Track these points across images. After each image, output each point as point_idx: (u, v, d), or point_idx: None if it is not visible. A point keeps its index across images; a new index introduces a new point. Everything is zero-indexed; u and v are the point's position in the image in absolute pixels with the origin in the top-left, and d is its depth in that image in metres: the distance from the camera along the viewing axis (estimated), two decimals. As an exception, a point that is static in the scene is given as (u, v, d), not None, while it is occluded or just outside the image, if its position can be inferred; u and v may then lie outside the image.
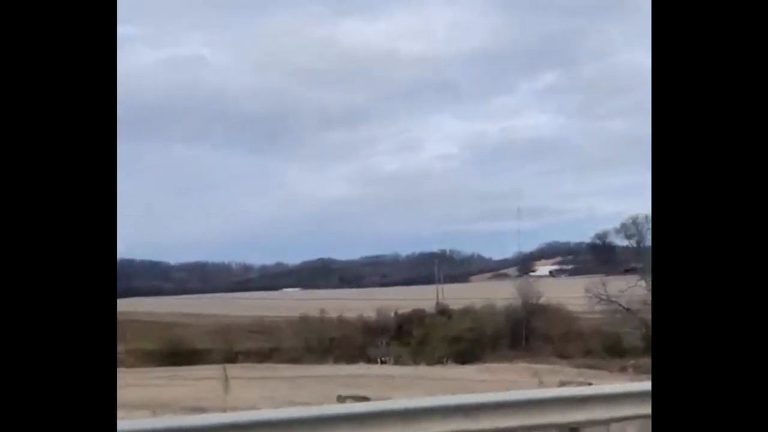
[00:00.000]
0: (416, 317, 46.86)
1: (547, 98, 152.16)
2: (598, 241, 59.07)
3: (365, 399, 12.72)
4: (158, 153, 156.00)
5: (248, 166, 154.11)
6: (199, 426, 5.12)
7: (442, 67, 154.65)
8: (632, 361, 32.88)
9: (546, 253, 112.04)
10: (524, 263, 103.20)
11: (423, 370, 36.51)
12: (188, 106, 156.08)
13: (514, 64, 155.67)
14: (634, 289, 40.70)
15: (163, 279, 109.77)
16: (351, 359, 38.76)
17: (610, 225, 52.52)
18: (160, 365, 39.94)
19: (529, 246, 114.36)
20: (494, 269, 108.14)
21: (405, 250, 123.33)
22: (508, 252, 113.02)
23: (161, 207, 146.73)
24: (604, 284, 41.92)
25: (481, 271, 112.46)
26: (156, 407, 14.65)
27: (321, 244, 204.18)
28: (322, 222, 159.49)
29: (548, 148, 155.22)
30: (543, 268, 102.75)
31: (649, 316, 39.59)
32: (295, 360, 39.83)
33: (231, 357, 42.19)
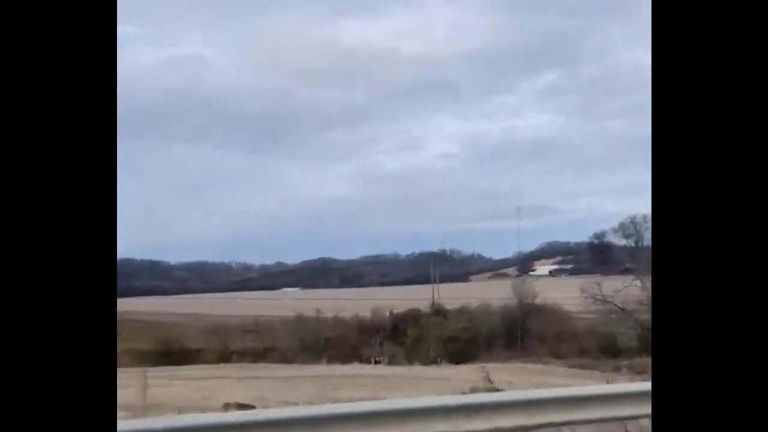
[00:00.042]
0: (411, 317, 46.79)
1: (548, 98, 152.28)
2: (596, 241, 58.91)
3: (250, 407, 12.29)
4: (158, 153, 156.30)
5: (248, 166, 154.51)
6: (199, 426, 5.10)
7: (443, 67, 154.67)
8: (626, 362, 32.80)
9: (546, 252, 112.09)
10: (524, 263, 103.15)
11: (417, 370, 36.47)
12: (188, 106, 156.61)
13: (515, 64, 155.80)
14: (629, 289, 40.66)
15: (163, 279, 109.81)
16: (345, 359, 38.73)
17: (609, 225, 52.38)
18: (155, 365, 39.92)
19: (529, 246, 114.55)
20: (494, 269, 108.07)
21: (405, 249, 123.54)
22: (508, 252, 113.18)
23: (161, 207, 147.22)
24: (599, 284, 41.85)
25: (481, 271, 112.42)
26: (146, 408, 14.60)
27: (321, 243, 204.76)
28: (322, 222, 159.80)
29: (548, 147, 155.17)
30: (543, 268, 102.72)
31: (644, 317, 39.54)
32: (289, 360, 39.81)
33: (226, 356, 42.23)
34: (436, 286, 60.60)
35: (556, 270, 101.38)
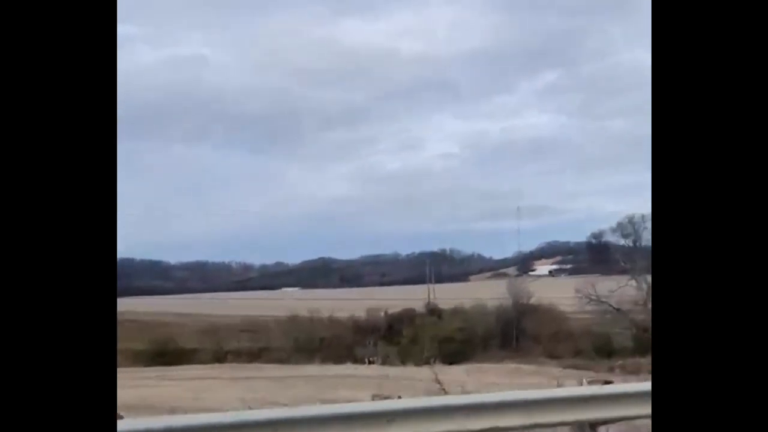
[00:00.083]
0: (406, 317, 46.74)
1: (548, 98, 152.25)
2: (594, 241, 58.72)
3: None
4: (158, 152, 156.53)
5: (248, 166, 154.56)
6: (199, 426, 5.09)
7: (443, 67, 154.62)
8: (620, 362, 32.72)
9: (546, 252, 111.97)
10: (524, 263, 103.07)
11: (409, 370, 36.39)
12: (188, 106, 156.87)
13: (515, 64, 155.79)
14: (624, 289, 40.55)
15: (163, 278, 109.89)
16: (339, 359, 38.67)
17: (608, 225, 52.23)
18: (149, 365, 39.96)
19: (530, 245, 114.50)
20: (494, 269, 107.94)
21: (405, 249, 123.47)
22: (508, 251, 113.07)
23: (161, 206, 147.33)
24: (593, 284, 41.75)
25: (481, 271, 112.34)
26: (136, 408, 14.58)
27: (321, 243, 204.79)
28: (322, 222, 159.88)
29: (548, 147, 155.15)
30: (543, 268, 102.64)
31: (639, 317, 39.45)
32: (283, 360, 39.76)
33: (220, 356, 42.22)
34: (431, 286, 60.63)
35: (555, 270, 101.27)
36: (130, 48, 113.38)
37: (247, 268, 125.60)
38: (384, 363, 38.09)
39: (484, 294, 48.96)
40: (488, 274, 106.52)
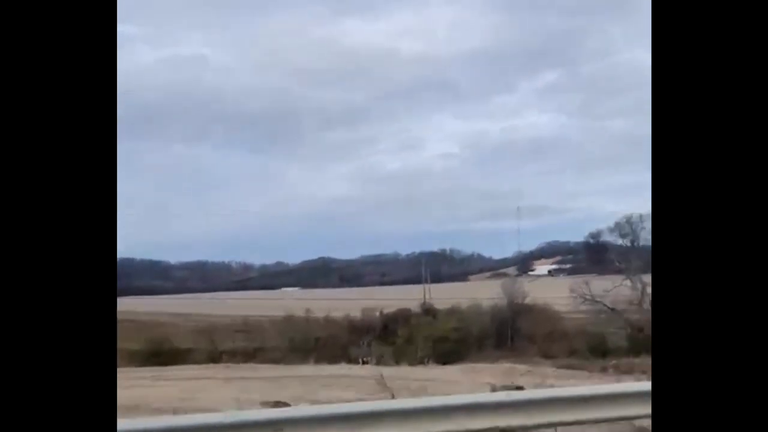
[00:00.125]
0: (402, 317, 46.66)
1: (548, 98, 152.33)
2: (591, 241, 58.61)
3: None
4: (158, 152, 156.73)
5: (248, 166, 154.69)
6: (199, 426, 5.11)
7: (443, 67, 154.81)
8: (613, 362, 32.65)
9: (546, 252, 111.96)
10: (524, 263, 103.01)
11: (403, 370, 36.29)
12: (188, 106, 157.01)
13: (515, 64, 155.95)
14: (619, 289, 40.50)
15: (163, 278, 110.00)
16: (333, 359, 38.60)
17: (606, 224, 52.24)
18: (144, 365, 39.96)
19: (529, 245, 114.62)
20: (494, 268, 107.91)
21: (405, 249, 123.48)
22: (508, 251, 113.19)
23: (161, 206, 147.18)
24: (587, 284, 41.71)
25: (481, 271, 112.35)
26: (127, 409, 14.55)
27: (321, 243, 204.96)
28: (322, 221, 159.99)
29: (549, 147, 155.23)
30: (542, 268, 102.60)
31: (634, 316, 39.39)
32: (277, 360, 39.72)
33: (215, 357, 42.17)
34: (427, 286, 60.67)
35: (555, 270, 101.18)
36: (130, 48, 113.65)
37: (247, 268, 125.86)
38: (378, 363, 38.03)
39: (482, 294, 48.88)
40: (488, 274, 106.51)
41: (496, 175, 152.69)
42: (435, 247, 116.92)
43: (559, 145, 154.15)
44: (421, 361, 36.91)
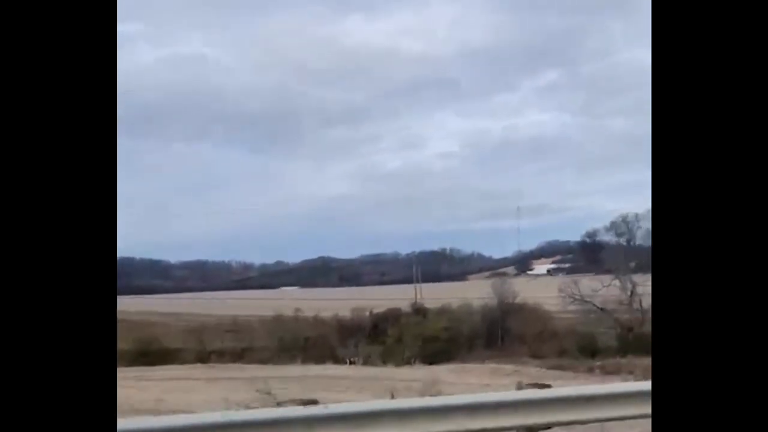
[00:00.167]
0: (392, 316, 46.48)
1: (549, 96, 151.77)
2: (588, 240, 58.41)
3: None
4: (158, 152, 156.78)
5: (249, 165, 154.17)
6: (199, 426, 5.08)
7: (443, 65, 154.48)
8: (599, 362, 32.44)
9: (546, 251, 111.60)
10: (524, 262, 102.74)
11: (389, 371, 36.22)
12: (189, 105, 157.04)
13: (516, 63, 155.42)
14: (609, 289, 40.32)
15: (163, 278, 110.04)
16: (320, 359, 38.45)
17: (602, 224, 52.06)
18: (131, 365, 39.85)
19: (529, 245, 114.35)
20: (494, 268, 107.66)
21: (405, 248, 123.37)
22: (508, 251, 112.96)
23: (161, 205, 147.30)
24: (576, 283, 41.55)
25: (480, 270, 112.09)
26: None
27: (321, 242, 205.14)
28: (322, 221, 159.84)
29: (549, 146, 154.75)
30: (541, 267, 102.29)
31: (624, 316, 39.24)
32: (265, 360, 39.58)
33: (203, 357, 42.05)
34: (418, 285, 60.62)
35: (554, 269, 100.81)
36: (130, 47, 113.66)
37: (247, 267, 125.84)
38: (365, 363, 37.87)
39: (477, 293, 48.68)
40: (487, 273, 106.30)
41: (497, 174, 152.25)
42: (435, 247, 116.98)
43: (559, 144, 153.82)
44: (408, 362, 36.72)
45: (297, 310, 48.00)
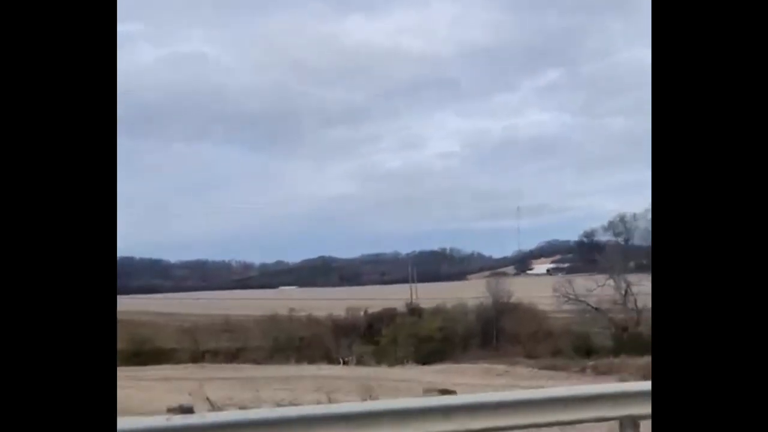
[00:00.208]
0: (387, 316, 46.38)
1: (549, 96, 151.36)
2: (585, 240, 58.33)
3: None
4: (158, 152, 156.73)
5: (249, 164, 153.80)
6: (199, 426, 5.09)
7: (444, 65, 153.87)
8: (591, 362, 32.25)
9: (546, 251, 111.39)
10: (523, 261, 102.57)
11: (382, 371, 36.13)
12: (189, 104, 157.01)
13: (516, 62, 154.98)
14: (603, 288, 40.19)
15: (163, 277, 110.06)
16: (314, 359, 38.33)
17: (600, 223, 52.02)
18: (123, 365, 39.71)
19: (530, 244, 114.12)
20: (494, 267, 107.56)
21: (405, 248, 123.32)
22: (508, 250, 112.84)
23: (161, 205, 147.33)
24: (570, 282, 41.45)
25: (480, 270, 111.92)
26: None
27: (321, 242, 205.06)
28: (322, 220, 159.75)
29: (549, 146, 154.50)
30: (541, 267, 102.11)
31: (618, 316, 39.11)
32: (258, 360, 39.47)
33: (197, 357, 41.95)
34: (414, 285, 60.60)
35: (554, 268, 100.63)
36: (130, 46, 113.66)
37: (247, 266, 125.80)
38: (359, 363, 37.74)
39: (474, 293, 48.54)
40: (487, 273, 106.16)
41: (497, 174, 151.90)
42: (435, 247, 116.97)
43: (559, 144, 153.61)
44: (401, 362, 36.60)
45: (291, 309, 47.91)
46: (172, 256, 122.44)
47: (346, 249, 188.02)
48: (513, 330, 42.89)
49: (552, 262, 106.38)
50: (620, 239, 46.89)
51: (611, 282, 40.17)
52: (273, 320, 46.66)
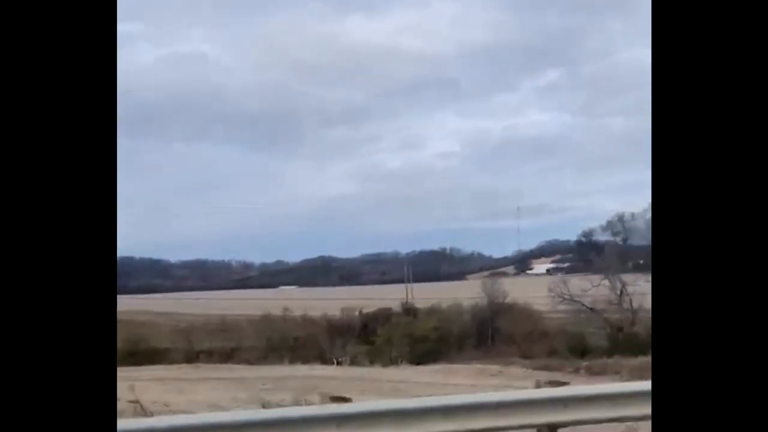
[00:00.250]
0: (382, 316, 46.31)
1: (549, 96, 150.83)
2: (584, 239, 58.23)
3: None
4: (158, 152, 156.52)
5: (249, 164, 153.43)
6: (198, 426, 5.12)
7: (444, 65, 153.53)
8: (585, 363, 32.16)
9: (546, 251, 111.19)
10: (523, 261, 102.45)
11: (375, 371, 36.07)
12: (189, 104, 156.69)
13: (516, 62, 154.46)
14: (598, 289, 40.09)
15: (163, 277, 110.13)
16: (308, 360, 38.26)
17: (598, 223, 51.96)
18: (119, 365, 39.67)
19: (530, 244, 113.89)
20: (494, 267, 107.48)
21: (405, 248, 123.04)
22: (508, 250, 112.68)
23: (161, 205, 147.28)
24: (565, 283, 41.37)
25: (480, 269, 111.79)
26: None
27: (321, 242, 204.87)
28: (322, 220, 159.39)
29: (550, 146, 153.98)
30: (541, 266, 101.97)
31: (613, 316, 39.01)
32: (252, 361, 39.38)
33: (191, 357, 41.88)
34: (410, 285, 60.47)
35: (553, 268, 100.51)
36: (130, 46, 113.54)
37: (247, 266, 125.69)
38: (353, 363, 37.68)
39: (471, 293, 48.44)
40: (487, 273, 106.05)
41: (497, 174, 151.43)
42: (435, 246, 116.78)
43: (559, 144, 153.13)
44: (395, 362, 36.52)
45: (286, 309, 47.86)
46: (172, 256, 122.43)
47: (346, 249, 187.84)
48: (508, 330, 42.80)
49: (552, 262, 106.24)
50: (618, 239, 46.77)
51: (607, 282, 40.08)
52: (268, 320, 46.61)
